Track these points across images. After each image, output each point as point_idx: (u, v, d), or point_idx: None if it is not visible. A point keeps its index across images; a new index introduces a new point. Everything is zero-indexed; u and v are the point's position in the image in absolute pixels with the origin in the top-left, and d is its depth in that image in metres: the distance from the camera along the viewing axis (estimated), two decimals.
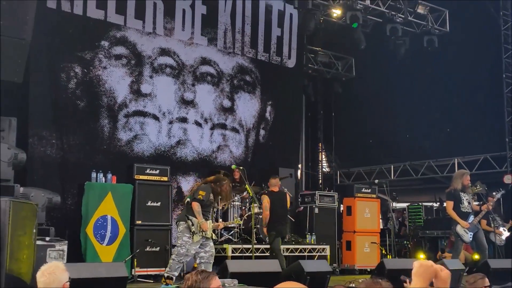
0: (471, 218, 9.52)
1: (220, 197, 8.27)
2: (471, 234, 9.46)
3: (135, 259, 8.66)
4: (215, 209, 8.32)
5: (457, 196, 9.57)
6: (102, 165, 9.88)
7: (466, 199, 9.61)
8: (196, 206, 7.78)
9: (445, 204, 10.31)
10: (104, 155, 10.64)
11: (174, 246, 9.91)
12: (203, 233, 7.80)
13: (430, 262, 2.71)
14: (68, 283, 3.91)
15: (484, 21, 14.27)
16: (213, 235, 8.35)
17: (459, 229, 9.45)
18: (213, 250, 8.05)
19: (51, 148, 10.01)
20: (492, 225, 10.79)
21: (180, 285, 7.83)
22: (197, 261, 7.92)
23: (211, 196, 7.98)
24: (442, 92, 14.68)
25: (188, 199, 7.95)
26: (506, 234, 11.40)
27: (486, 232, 10.62)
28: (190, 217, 7.77)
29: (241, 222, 9.80)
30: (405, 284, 4.90)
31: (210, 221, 8.00)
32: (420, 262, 2.71)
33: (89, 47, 10.73)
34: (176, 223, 8.02)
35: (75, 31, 10.60)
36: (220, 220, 9.93)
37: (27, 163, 7.78)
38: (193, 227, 7.73)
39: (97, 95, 10.77)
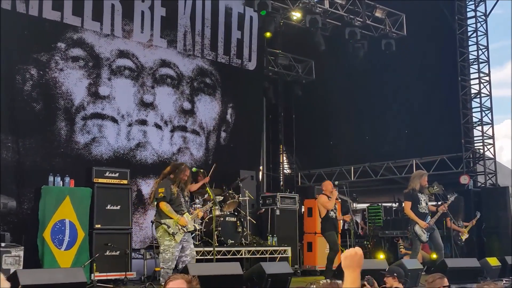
0: (428, 218, 9.69)
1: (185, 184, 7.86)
2: (428, 234, 9.64)
3: (94, 264, 8.49)
4: (187, 198, 7.93)
5: (415, 196, 9.72)
6: (60, 168, 9.68)
7: (424, 200, 9.77)
8: (164, 206, 7.56)
9: (403, 205, 10.47)
10: (61, 158, 10.43)
11: (135, 250, 9.82)
12: (184, 228, 7.59)
13: (353, 250, 2.74)
14: None
15: (440, 25, 14.60)
16: (196, 226, 8.12)
17: (417, 229, 9.61)
18: (194, 253, 7.88)
19: (7, 151, 9.76)
20: (457, 224, 11.11)
21: None
22: (180, 266, 7.66)
23: (174, 188, 7.70)
24: (400, 94, 14.96)
25: (155, 202, 7.73)
26: (466, 235, 11.75)
27: (453, 231, 11.01)
28: (163, 220, 7.55)
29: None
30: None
31: (187, 213, 7.74)
32: (345, 255, 2.75)
33: (45, 48, 10.52)
34: (155, 228, 7.79)
35: (30, 33, 10.38)
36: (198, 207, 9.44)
37: None
38: (170, 229, 7.49)
39: (54, 98, 10.56)
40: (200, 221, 10.07)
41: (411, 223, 9.78)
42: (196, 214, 8.05)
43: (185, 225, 7.59)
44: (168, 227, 7.50)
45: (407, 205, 9.78)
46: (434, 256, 10.04)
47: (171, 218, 7.58)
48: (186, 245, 7.72)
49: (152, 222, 9.47)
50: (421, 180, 9.82)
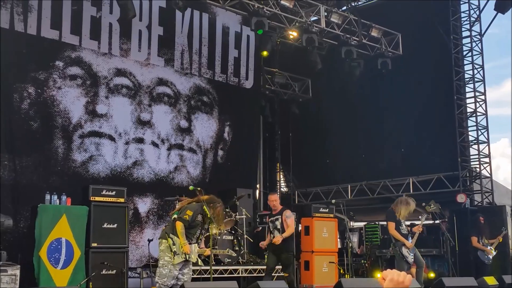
0: (410, 239, 9.59)
1: (209, 220, 7.51)
2: (412, 255, 9.51)
3: (90, 283, 8.45)
4: (203, 231, 7.66)
5: (396, 218, 9.62)
6: (57, 186, 9.66)
7: (403, 221, 9.68)
8: (179, 226, 7.30)
9: (387, 225, 10.18)
10: (58, 177, 10.43)
11: (131, 268, 9.77)
12: (186, 255, 7.34)
13: (403, 277, 2.50)
14: None
15: (435, 44, 14.68)
16: (199, 260, 7.95)
17: (404, 251, 9.44)
18: (191, 274, 7.70)
19: (3, 170, 9.75)
20: (481, 243, 11.20)
21: None
22: (174, 282, 7.46)
23: (200, 218, 7.47)
24: (396, 113, 15.00)
25: (175, 216, 7.48)
26: (494, 252, 11.78)
27: (477, 249, 11.41)
28: (172, 235, 7.36)
29: (234, 254, 9.40)
30: None
31: (196, 245, 7.52)
32: (392, 277, 2.49)
33: (43, 67, 10.58)
34: (159, 240, 7.60)
35: (28, 51, 10.44)
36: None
37: None
38: (174, 246, 7.30)
39: (51, 116, 10.58)
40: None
41: (396, 245, 9.58)
42: (204, 251, 7.87)
43: (187, 253, 7.36)
44: (173, 244, 7.32)
45: (391, 225, 9.54)
46: (432, 275, 10.00)
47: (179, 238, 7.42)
48: (185, 264, 7.54)
49: (149, 240, 9.46)
50: (408, 208, 9.69)
